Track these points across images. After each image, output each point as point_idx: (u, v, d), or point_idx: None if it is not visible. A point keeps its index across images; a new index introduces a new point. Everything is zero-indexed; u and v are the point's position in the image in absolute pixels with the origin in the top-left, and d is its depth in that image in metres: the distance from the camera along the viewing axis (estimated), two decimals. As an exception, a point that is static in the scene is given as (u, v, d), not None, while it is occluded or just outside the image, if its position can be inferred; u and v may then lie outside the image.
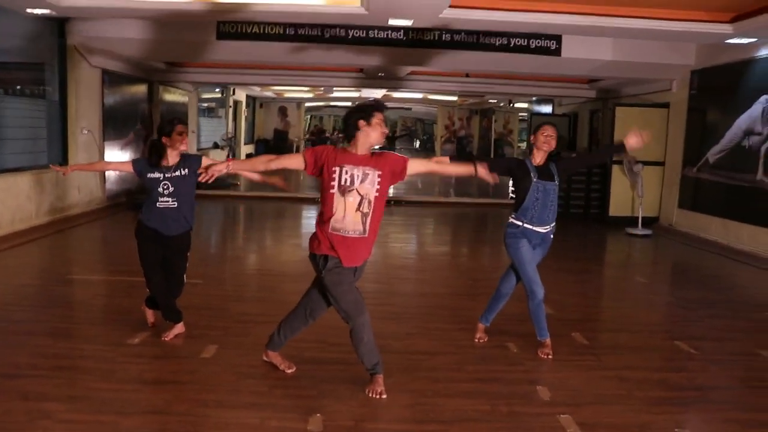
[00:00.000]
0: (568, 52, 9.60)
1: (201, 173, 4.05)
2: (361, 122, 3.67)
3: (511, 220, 4.51)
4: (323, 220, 3.66)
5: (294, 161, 3.87)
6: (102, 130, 10.76)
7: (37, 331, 4.63)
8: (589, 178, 12.21)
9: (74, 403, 3.45)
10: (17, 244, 7.63)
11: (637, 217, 10.50)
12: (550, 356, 4.44)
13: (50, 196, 8.98)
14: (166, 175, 4.44)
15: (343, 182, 3.61)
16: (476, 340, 4.74)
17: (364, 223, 3.63)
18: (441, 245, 9.88)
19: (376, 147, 3.78)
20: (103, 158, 10.71)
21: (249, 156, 23.18)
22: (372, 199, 3.63)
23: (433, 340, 4.71)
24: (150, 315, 4.80)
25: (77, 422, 3.25)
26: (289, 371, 3.98)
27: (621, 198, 11.29)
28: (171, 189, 4.43)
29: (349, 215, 3.61)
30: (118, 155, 11.33)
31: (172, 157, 4.49)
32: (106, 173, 10.83)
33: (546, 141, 4.47)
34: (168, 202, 4.44)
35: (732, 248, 8.80)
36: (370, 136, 3.66)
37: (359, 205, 3.61)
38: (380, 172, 3.65)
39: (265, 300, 5.88)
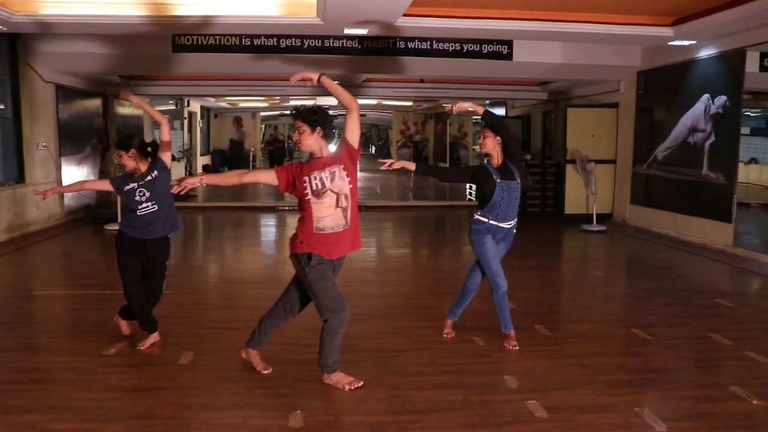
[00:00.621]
0: (520, 56, 9.90)
1: (173, 184, 4.15)
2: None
3: (476, 217, 4.70)
4: (305, 223, 3.83)
5: (266, 176, 3.98)
6: (58, 145, 10.66)
7: (9, 348, 4.64)
8: (544, 178, 12.57)
9: (57, 413, 3.51)
10: (-23, 263, 7.55)
11: (592, 214, 10.88)
12: (516, 348, 4.65)
13: (8, 214, 8.87)
14: (140, 183, 4.55)
15: (315, 188, 3.77)
16: (444, 335, 4.93)
17: (345, 217, 3.84)
18: (402, 247, 10.07)
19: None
20: (60, 173, 10.63)
21: (205, 167, 23.06)
22: (347, 192, 3.84)
23: (402, 338, 4.88)
24: (125, 326, 4.86)
25: (62, 431, 3.31)
26: (265, 372, 4.10)
27: (576, 196, 11.66)
28: (147, 194, 4.55)
29: (329, 215, 3.79)
30: (75, 170, 11.24)
31: (142, 167, 4.60)
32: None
33: (482, 143, 4.74)
34: (148, 207, 4.56)
35: (682, 240, 9.21)
36: (301, 144, 3.85)
37: (337, 202, 3.80)
38: (342, 165, 3.84)
39: (234, 307, 5.96)
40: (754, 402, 3.76)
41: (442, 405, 3.67)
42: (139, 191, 4.55)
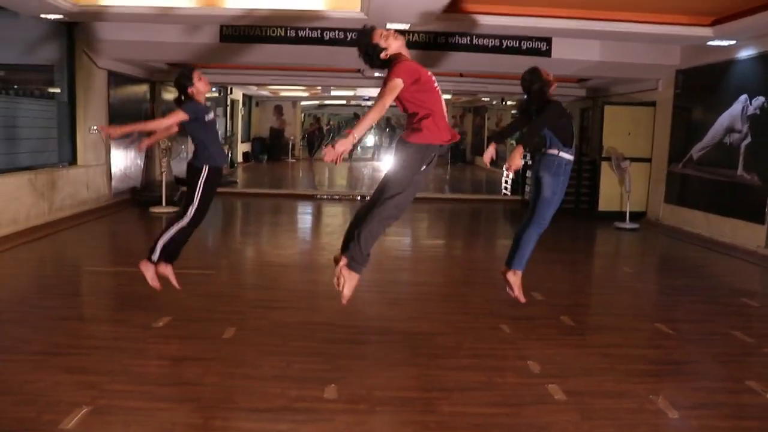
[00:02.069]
0: (558, 53, 10.03)
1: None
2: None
3: (568, 156, 4.95)
4: (432, 117, 4.09)
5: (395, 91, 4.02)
6: (109, 130, 11.12)
7: (69, 316, 5.03)
8: (579, 174, 12.64)
9: (115, 376, 3.85)
10: (33, 239, 8.00)
11: (625, 212, 10.96)
12: (512, 293, 5.04)
13: (62, 194, 9.34)
14: (215, 114, 4.92)
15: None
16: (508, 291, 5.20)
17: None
18: (436, 238, 10.30)
19: None
20: (109, 155, 11.09)
21: (245, 154, 23.57)
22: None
23: (433, 322, 5.12)
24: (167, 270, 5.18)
25: (120, 392, 3.64)
26: None
27: (610, 193, 11.73)
28: (217, 125, 4.91)
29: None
30: (122, 153, 11.71)
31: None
32: (112, 171, 11.19)
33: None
34: (218, 136, 4.93)
35: (715, 240, 9.26)
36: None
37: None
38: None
39: (274, 288, 6.28)
40: (768, 396, 3.92)
41: (467, 385, 3.91)
42: (216, 120, 4.88)
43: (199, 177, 4.99)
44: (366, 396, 3.70)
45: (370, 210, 4.18)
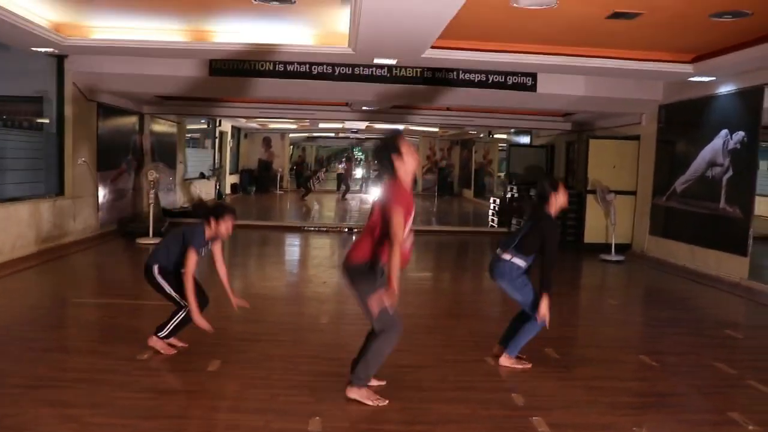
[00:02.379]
0: (544, 88, 10.21)
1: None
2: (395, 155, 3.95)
3: (519, 262, 4.82)
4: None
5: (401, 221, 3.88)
6: (96, 161, 11.15)
7: (53, 348, 5.00)
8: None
9: (97, 409, 3.82)
10: (20, 270, 7.97)
11: (611, 244, 11.04)
12: (498, 361, 4.95)
13: (48, 224, 9.32)
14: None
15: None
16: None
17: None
18: (423, 270, 10.31)
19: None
20: (97, 187, 11.07)
21: (234, 186, 23.61)
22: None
23: (418, 355, 5.12)
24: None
25: (103, 425, 3.62)
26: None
27: (595, 226, 11.84)
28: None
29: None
30: (109, 185, 11.73)
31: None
32: (99, 202, 11.18)
33: None
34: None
35: (699, 272, 9.35)
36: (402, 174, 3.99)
37: None
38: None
39: (260, 321, 6.22)
40: (750, 428, 3.93)
41: (452, 418, 3.91)
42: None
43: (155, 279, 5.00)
44: (349, 429, 3.69)
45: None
